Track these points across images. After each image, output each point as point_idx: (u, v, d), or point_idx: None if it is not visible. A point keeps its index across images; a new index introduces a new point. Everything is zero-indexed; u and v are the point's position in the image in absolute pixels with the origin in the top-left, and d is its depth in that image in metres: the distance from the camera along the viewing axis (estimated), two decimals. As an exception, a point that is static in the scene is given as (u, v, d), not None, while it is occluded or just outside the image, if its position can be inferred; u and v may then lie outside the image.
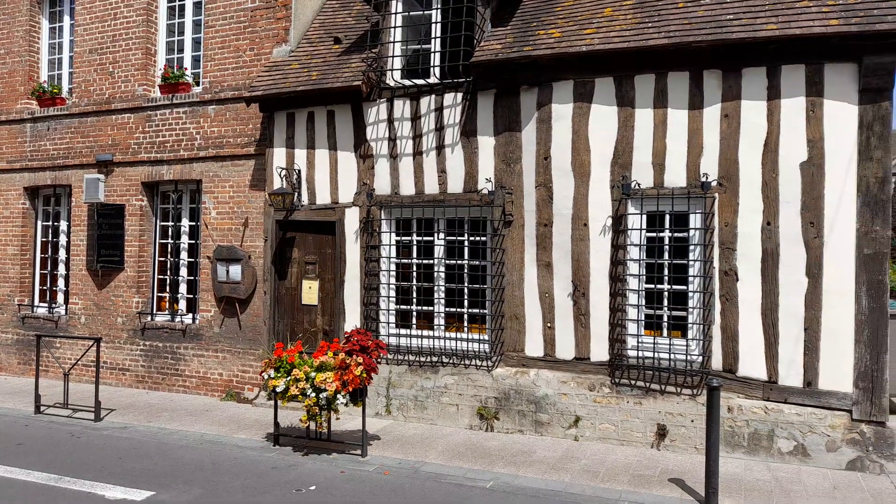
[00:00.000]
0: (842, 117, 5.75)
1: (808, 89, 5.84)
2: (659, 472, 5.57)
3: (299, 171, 7.80)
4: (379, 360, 6.16)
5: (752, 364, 6.01)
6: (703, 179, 6.09)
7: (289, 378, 6.01)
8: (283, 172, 7.77)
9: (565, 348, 6.63)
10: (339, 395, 5.84)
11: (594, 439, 6.42)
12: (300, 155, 7.84)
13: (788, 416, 5.84)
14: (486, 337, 6.99)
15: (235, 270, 8.06)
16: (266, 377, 6.18)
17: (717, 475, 4.86)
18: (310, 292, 7.82)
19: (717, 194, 6.10)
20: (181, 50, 9.09)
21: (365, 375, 5.84)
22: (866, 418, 5.64)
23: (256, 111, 8.06)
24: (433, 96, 7.16)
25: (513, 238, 6.85)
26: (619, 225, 6.43)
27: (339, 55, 7.81)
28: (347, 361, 5.84)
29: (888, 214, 5.69)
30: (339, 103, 7.56)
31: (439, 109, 7.13)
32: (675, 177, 6.25)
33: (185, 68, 8.88)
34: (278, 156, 7.94)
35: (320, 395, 5.87)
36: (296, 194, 7.76)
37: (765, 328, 5.95)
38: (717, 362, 6.11)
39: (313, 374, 5.93)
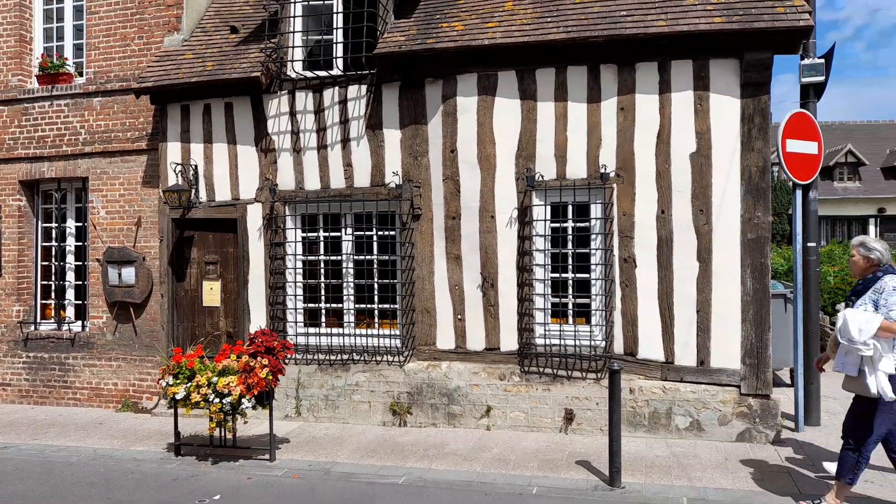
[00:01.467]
0: (726, 110, 6.09)
1: (695, 83, 6.14)
2: (567, 456, 5.72)
3: (196, 166, 7.42)
4: (286, 360, 5.97)
5: (650, 347, 6.28)
6: (603, 171, 6.30)
7: (189, 384, 5.71)
8: (179, 168, 7.36)
9: (476, 339, 6.69)
10: (244, 400, 5.60)
11: (505, 428, 6.51)
12: (196, 149, 7.45)
13: (684, 394, 6.16)
14: (398, 332, 6.93)
15: (129, 273, 7.57)
16: (165, 384, 5.84)
17: (620, 455, 5.04)
18: (211, 293, 7.47)
19: (615, 185, 6.32)
20: (61, 38, 8.42)
21: (271, 377, 5.63)
22: (753, 392, 6.03)
23: (147, 104, 7.59)
24: (337, 88, 7.00)
25: (422, 231, 6.82)
26: (524, 216, 6.54)
27: (237, 45, 7.48)
28: (251, 364, 5.61)
29: (768, 201, 6.10)
30: (238, 95, 7.25)
31: (343, 102, 6.99)
32: (577, 168, 6.42)
33: (66, 58, 8.24)
34: (172, 151, 7.51)
35: (224, 401, 5.61)
36: (193, 191, 7.37)
37: (661, 312, 6.24)
38: (619, 346, 6.35)
39: (215, 379, 5.66)
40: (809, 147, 6.47)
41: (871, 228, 34.70)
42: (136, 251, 7.64)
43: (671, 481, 5.11)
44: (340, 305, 7.15)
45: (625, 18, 6.17)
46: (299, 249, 7.24)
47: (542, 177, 6.46)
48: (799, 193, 6.46)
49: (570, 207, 6.55)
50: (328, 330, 7.13)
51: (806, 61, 6.49)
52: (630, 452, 5.68)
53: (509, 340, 6.59)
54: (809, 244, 6.56)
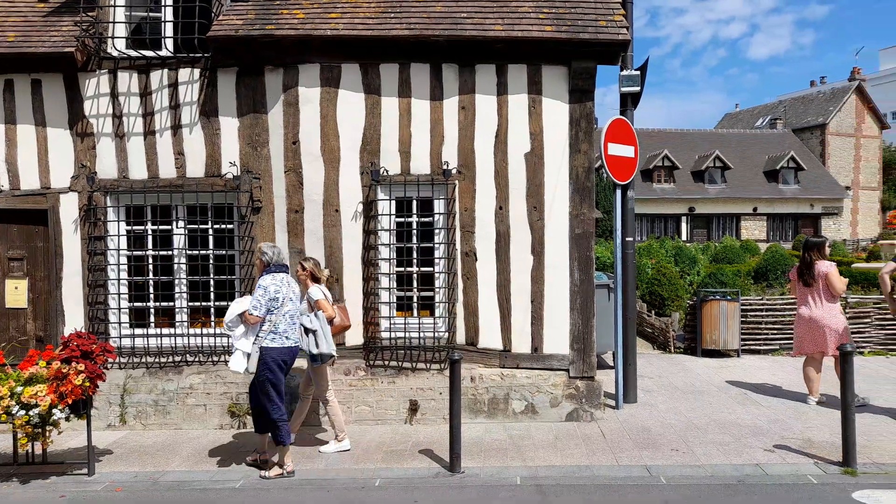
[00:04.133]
0: (557, 114, 6.52)
1: (529, 87, 6.51)
2: (411, 446, 5.82)
3: (-4, 149, 6.52)
4: (107, 365, 5.44)
5: (490, 336, 6.57)
6: (445, 167, 6.47)
7: (-13, 397, 5.00)
8: (-26, 151, 6.41)
9: (320, 335, 6.57)
10: (55, 410, 5.03)
11: (351, 422, 6.46)
12: (-3, 130, 6.55)
13: (520, 380, 6.52)
14: (236, 330, 6.60)
15: None
16: (-46, 399, 5.07)
17: (460, 441, 5.23)
18: (16, 293, 6.62)
19: (457, 181, 6.52)
20: None
21: (88, 384, 5.11)
22: (580, 375, 6.54)
23: (-69, 75, 6.53)
24: (166, 70, 6.50)
25: (262, 225, 6.56)
26: (369, 210, 6.54)
27: (46, 15, 6.68)
28: (65, 370, 5.05)
29: (593, 199, 6.63)
30: (48, 72, 6.47)
31: (174, 86, 6.51)
32: (421, 164, 6.54)
33: None
34: (-34, 131, 6.54)
35: (31, 413, 5.00)
36: (-8, 177, 6.47)
37: (500, 303, 6.55)
38: (461, 337, 6.57)
39: (20, 389, 5.02)
40: (627, 151, 7.12)
41: (684, 226, 39.08)
42: (-83, 246, 6.55)
43: (507, 462, 5.39)
44: (172, 304, 6.66)
45: (465, 20, 6.38)
46: (123, 244, 6.63)
47: (387, 172, 6.50)
48: (619, 193, 7.10)
49: (414, 202, 6.65)
50: (158, 330, 6.62)
51: (624, 72, 7.14)
52: (471, 438, 5.92)
53: (355, 335, 6.56)
54: (628, 239, 7.22)
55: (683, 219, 38.96)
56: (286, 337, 5.19)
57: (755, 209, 39.27)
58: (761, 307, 9.98)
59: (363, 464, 5.41)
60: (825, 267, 6.87)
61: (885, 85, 61.39)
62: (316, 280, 5.65)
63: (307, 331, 5.40)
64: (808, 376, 7.09)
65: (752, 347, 9.73)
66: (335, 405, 5.78)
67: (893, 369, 8.60)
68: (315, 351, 5.41)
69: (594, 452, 5.59)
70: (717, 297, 9.59)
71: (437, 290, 6.61)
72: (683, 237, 37.59)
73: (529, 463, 5.37)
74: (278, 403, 5.14)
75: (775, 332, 9.81)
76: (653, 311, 11.87)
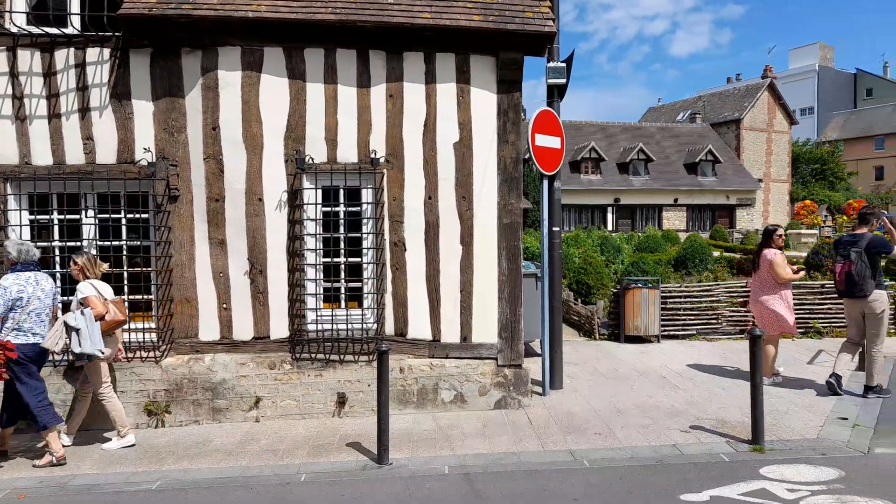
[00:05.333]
0: (485, 104, 6.53)
1: (458, 76, 6.49)
2: (338, 439, 5.74)
3: None
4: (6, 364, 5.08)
5: (419, 327, 6.55)
6: (373, 156, 6.37)
7: None
8: None
9: (243, 329, 6.37)
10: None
11: (276, 418, 6.32)
12: None
13: (449, 369, 6.54)
14: (153, 325, 6.30)
15: None
16: None
17: (388, 433, 5.19)
18: None
19: (385, 170, 6.44)
20: None
21: (-15, 385, 4.75)
22: (508, 363, 6.62)
23: None
24: (73, 50, 6.09)
25: (180, 214, 6.28)
26: (294, 199, 6.36)
27: (-66, -16, 6.10)
28: (-42, 371, 4.68)
29: (521, 190, 6.70)
30: (-64, 46, 5.94)
31: (82, 66, 6.10)
32: (348, 152, 6.41)
33: None
34: None
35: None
36: None
37: (429, 293, 6.53)
38: (390, 328, 6.52)
39: None
40: (554, 142, 7.24)
41: (610, 216, 40.29)
42: None
43: (436, 452, 5.40)
44: (82, 298, 6.28)
45: (393, 7, 6.28)
46: (26, 234, 6.20)
47: (313, 160, 6.34)
48: (546, 183, 7.20)
49: (341, 191, 6.52)
50: (67, 326, 6.22)
51: (551, 64, 7.23)
52: (399, 429, 5.89)
53: (280, 328, 6.39)
54: (554, 228, 7.36)
55: (609, 209, 40.17)
56: (32, 333, 5.25)
57: (676, 200, 40.95)
58: (680, 294, 10.41)
59: (288, 459, 5.29)
60: (771, 255, 7.30)
61: (794, 83, 65.32)
62: (90, 275, 5.59)
63: (69, 329, 5.26)
64: (765, 354, 7.38)
65: (672, 333, 10.14)
66: (113, 400, 5.67)
67: (799, 350, 9.15)
68: (77, 350, 5.27)
69: (521, 439, 5.68)
70: (639, 284, 9.93)
71: (365, 280, 6.52)
72: (609, 227, 38.79)
73: (458, 452, 5.40)
74: (36, 389, 5.19)
75: (692, 318, 10.26)
76: (579, 300, 12.18)
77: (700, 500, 4.43)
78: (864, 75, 68.13)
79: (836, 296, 10.46)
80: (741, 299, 10.40)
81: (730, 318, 10.32)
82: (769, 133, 45.83)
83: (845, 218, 31.15)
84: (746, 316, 10.29)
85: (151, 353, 6.23)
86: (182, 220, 6.27)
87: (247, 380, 6.32)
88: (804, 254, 17.99)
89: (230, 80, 6.21)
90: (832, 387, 6.87)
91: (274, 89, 6.27)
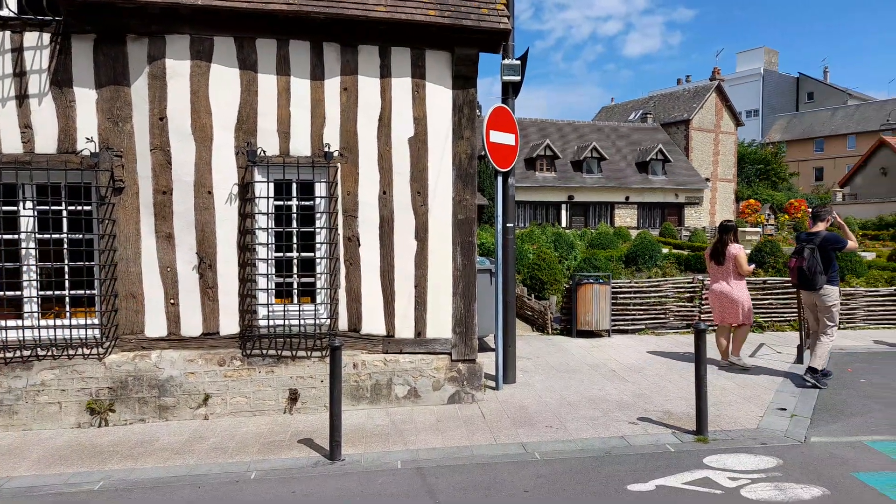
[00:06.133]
0: (440, 99, 6.53)
1: (413, 71, 6.47)
2: (290, 436, 5.67)
3: None
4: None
5: (373, 322, 6.52)
6: (327, 150, 6.29)
7: None
8: None
9: (192, 325, 6.22)
10: None
11: (226, 415, 6.20)
12: None
13: (404, 364, 6.54)
14: (96, 321, 6.09)
15: None
16: None
17: (341, 429, 5.16)
18: None
19: (339, 164, 6.37)
20: None
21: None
22: (462, 358, 6.66)
23: None
24: (9, 33, 5.81)
25: (125, 207, 6.08)
26: (246, 193, 6.24)
27: None
28: None
29: (475, 185, 6.73)
30: None
31: (19, 50, 5.83)
32: (301, 145, 6.32)
33: None
34: None
35: None
36: None
37: (383, 288, 6.51)
38: (343, 323, 6.47)
39: None
40: (508, 139, 7.30)
41: (564, 213, 40.92)
42: None
43: (388, 447, 5.39)
44: (19, 293, 6.02)
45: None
46: (-41, 226, 5.90)
47: (265, 152, 6.22)
48: (500, 180, 7.26)
49: (294, 185, 6.43)
50: (3, 322, 5.96)
51: (506, 61, 7.28)
52: (353, 425, 5.86)
53: (230, 324, 6.27)
54: (508, 224, 7.42)
55: (563, 206, 40.80)
56: None
57: (627, 198, 41.88)
58: (630, 290, 10.66)
59: (238, 457, 5.20)
60: (735, 249, 7.86)
61: (740, 85, 67.58)
62: None
63: None
64: (718, 343, 8.16)
65: (622, 327, 10.38)
66: None
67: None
68: None
69: (474, 433, 5.72)
70: (591, 280, 10.12)
71: (318, 276, 6.45)
72: (563, 224, 39.42)
73: (411, 447, 5.41)
74: None
75: (642, 312, 10.52)
76: (533, 295, 12.33)
77: (646, 489, 4.56)
78: (806, 79, 71.02)
79: (777, 292, 10.90)
80: (688, 294, 10.71)
81: (677, 313, 10.62)
82: (717, 134, 47.28)
83: (787, 217, 32.41)
84: (693, 311, 10.61)
85: (94, 350, 6.02)
86: (127, 212, 6.07)
87: (195, 377, 6.17)
88: (748, 251, 18.65)
89: (179, 69, 6.03)
90: (816, 378, 7.11)
91: (225, 80, 6.13)
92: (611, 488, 4.57)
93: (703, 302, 10.61)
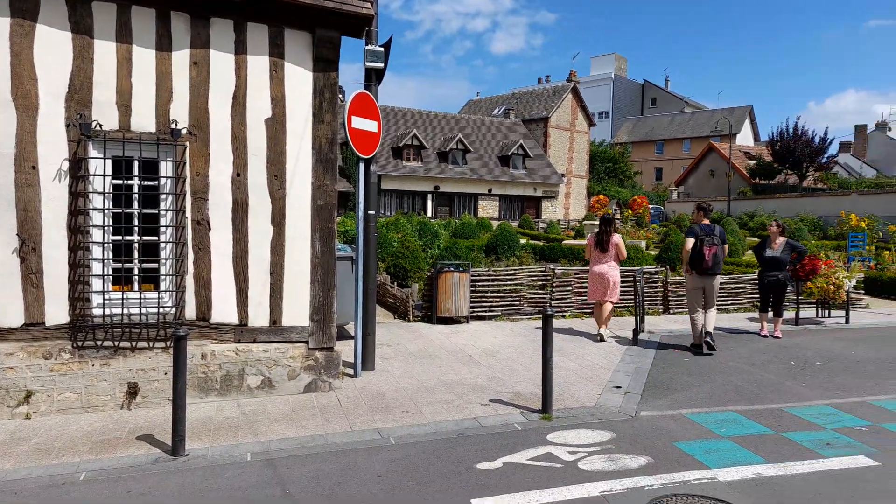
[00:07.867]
0: (300, 81, 6.34)
1: (271, 50, 6.21)
2: (127, 433, 5.27)
3: None
4: None
5: (225, 310, 6.22)
6: (174, 126, 5.88)
7: None
8: None
9: (12, 314, 5.56)
10: None
11: (52, 413, 5.63)
12: None
13: (257, 354, 6.31)
14: None
15: None
16: None
17: (185, 422, 4.88)
18: None
19: (188, 143, 5.99)
20: None
21: None
22: (319, 346, 6.55)
23: None
24: None
25: (-74, 180, 5.29)
26: (78, 170, 5.67)
27: None
28: None
29: (335, 171, 6.62)
30: None
31: None
32: (144, 121, 5.85)
33: None
34: None
35: None
36: None
37: (236, 275, 6.23)
38: (191, 312, 6.11)
39: None
40: (370, 125, 7.26)
41: (430, 203, 41.53)
42: None
43: (238, 440, 5.19)
44: None
45: (199, -34, 5.82)
46: None
47: (101, 126, 5.69)
48: (362, 166, 7.21)
49: (136, 163, 5.94)
50: None
51: (369, 47, 7.22)
52: (200, 418, 5.58)
53: (58, 313, 5.69)
54: (370, 212, 7.40)
55: (429, 196, 41.41)
56: None
57: (490, 190, 43.37)
58: (488, 278, 11.06)
59: (66, 458, 4.74)
60: (617, 238, 9.29)
61: (594, 88, 72.29)
62: None
63: None
64: (596, 316, 9.52)
65: (480, 314, 10.76)
66: None
67: (586, 326, 10.22)
68: None
69: (329, 421, 5.67)
70: (452, 268, 10.37)
71: (162, 261, 6.03)
72: (429, 213, 40.01)
73: (262, 438, 5.24)
74: None
75: (498, 300, 10.97)
76: (396, 283, 12.41)
77: (494, 466, 4.77)
78: (650, 86, 77.51)
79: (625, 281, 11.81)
80: (541, 282, 11.33)
81: (531, 301, 11.20)
82: (572, 132, 50.27)
83: (630, 213, 35.22)
84: (545, 298, 11.24)
85: None
86: (-72, 186, 5.29)
87: (15, 372, 5.54)
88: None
89: (-4, 26, 5.34)
90: (709, 346, 8.61)
91: (53, 43, 5.51)
92: (461, 467, 4.74)
93: (553, 290, 11.27)
